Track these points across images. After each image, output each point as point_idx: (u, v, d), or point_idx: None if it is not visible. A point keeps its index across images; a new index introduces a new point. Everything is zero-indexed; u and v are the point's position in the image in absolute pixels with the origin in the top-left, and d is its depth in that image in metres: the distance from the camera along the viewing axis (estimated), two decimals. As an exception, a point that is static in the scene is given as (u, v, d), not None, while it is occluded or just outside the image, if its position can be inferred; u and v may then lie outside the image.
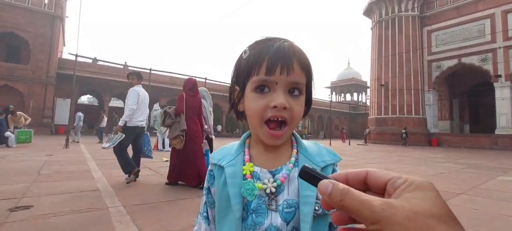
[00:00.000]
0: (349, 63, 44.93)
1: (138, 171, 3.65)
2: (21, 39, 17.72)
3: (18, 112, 9.52)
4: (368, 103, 29.32)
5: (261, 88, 0.46)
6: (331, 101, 23.99)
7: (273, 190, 0.46)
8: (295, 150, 0.50)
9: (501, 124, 17.00)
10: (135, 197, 2.93)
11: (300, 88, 0.46)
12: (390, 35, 21.24)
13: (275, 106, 0.44)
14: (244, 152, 0.51)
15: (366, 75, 37.25)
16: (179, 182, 3.62)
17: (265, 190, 0.46)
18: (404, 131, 18.28)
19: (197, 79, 4.80)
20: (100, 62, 20.00)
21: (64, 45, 24.91)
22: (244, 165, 0.49)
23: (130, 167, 3.57)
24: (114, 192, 3.09)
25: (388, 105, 20.83)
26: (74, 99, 19.08)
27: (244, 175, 0.48)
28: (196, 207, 2.52)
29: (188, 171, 3.50)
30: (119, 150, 3.58)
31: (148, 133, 4.34)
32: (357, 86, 40.93)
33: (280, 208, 0.46)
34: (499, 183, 4.52)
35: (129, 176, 3.56)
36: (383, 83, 21.10)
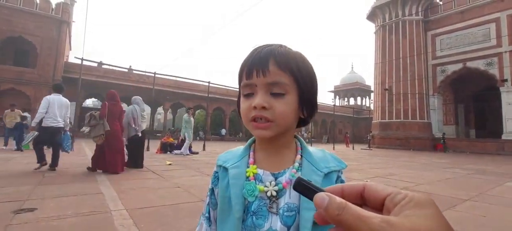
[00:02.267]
0: (352, 68, 44.78)
1: (45, 163, 4.49)
2: (29, 44, 18.04)
3: (16, 109, 8.97)
4: (372, 107, 29.15)
5: (247, 92, 0.49)
6: (334, 105, 23.87)
7: (274, 193, 0.47)
8: (299, 155, 0.51)
9: (508, 128, 16.74)
10: (138, 200, 2.93)
11: (283, 87, 0.47)
12: (394, 40, 21.17)
13: (255, 107, 0.47)
14: (249, 155, 0.53)
15: (369, 79, 37.21)
16: (98, 170, 4.54)
17: (266, 192, 0.47)
18: (442, 136, 18.28)
19: (202, 82, 6.27)
20: (105, 66, 20.27)
21: (70, 49, 25.27)
22: (248, 167, 0.51)
23: (41, 159, 4.47)
24: (117, 195, 3.10)
25: (392, 110, 20.68)
26: (80, 103, 19.27)
27: (248, 177, 0.49)
28: (199, 211, 2.51)
29: (112, 161, 4.44)
30: (36, 144, 4.53)
31: (68, 133, 5.32)
32: (361, 90, 40.78)
33: (281, 211, 0.46)
34: (507, 189, 4.44)
35: (39, 165, 4.45)
36: (387, 87, 20.99)
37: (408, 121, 19.85)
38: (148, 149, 9.11)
